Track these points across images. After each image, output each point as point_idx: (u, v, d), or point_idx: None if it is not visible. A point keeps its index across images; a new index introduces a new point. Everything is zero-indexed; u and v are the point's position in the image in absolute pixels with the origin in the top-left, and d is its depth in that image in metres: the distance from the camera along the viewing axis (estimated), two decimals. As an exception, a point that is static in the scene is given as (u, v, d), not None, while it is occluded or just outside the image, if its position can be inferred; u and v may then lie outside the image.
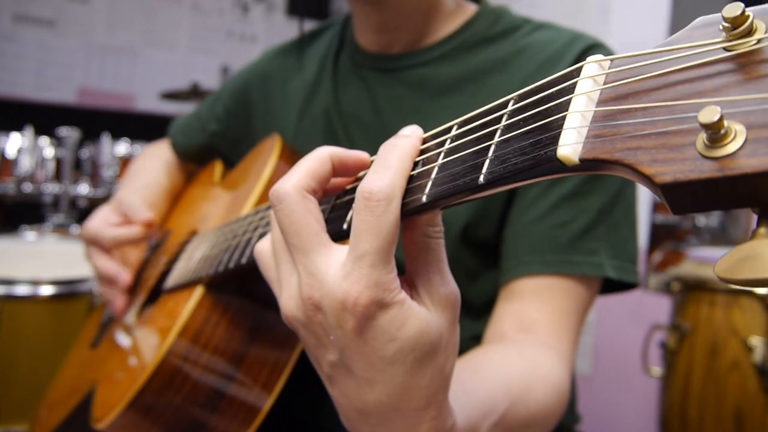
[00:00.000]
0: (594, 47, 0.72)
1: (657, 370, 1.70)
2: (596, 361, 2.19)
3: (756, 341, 1.47)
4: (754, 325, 1.49)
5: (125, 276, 0.83)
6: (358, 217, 0.35)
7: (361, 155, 0.42)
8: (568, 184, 0.68)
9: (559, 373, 0.61)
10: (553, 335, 0.65)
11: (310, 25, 0.97)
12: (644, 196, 2.06)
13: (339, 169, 0.42)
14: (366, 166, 0.42)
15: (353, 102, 0.81)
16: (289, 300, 0.39)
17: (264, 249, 0.44)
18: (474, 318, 0.74)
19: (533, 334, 0.65)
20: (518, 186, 0.32)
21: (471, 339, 0.72)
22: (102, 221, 0.87)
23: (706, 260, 1.66)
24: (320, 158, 0.40)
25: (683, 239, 2.04)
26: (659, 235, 2.06)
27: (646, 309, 1.98)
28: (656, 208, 2.08)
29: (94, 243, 0.86)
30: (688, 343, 1.60)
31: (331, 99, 0.83)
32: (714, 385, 1.52)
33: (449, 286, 0.38)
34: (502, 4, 0.82)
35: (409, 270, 0.39)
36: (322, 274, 0.36)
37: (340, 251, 0.37)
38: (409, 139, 0.38)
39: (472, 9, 0.80)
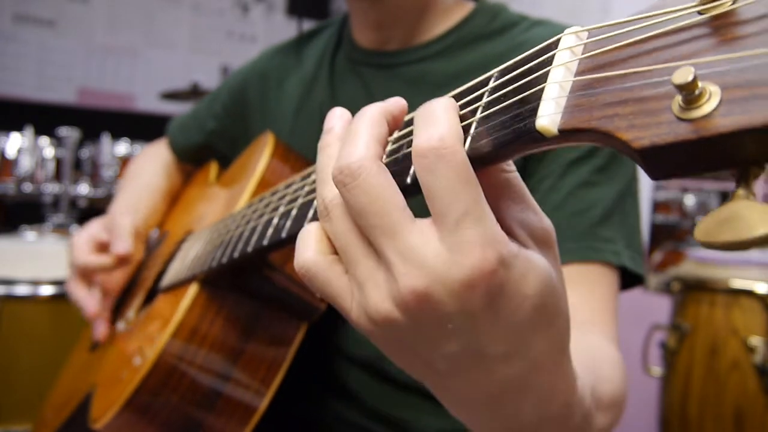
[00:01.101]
0: None
1: (657, 370, 1.70)
2: (596, 361, 2.18)
3: (756, 341, 1.46)
4: (754, 325, 1.49)
5: (90, 307, 0.83)
6: (429, 179, 0.30)
7: (400, 101, 0.38)
8: (579, 174, 0.68)
9: (617, 354, 0.60)
10: (595, 320, 0.63)
11: (309, 25, 0.97)
12: (645, 196, 2.05)
13: (393, 126, 0.37)
14: (406, 109, 0.39)
15: (350, 98, 0.81)
16: (382, 302, 0.31)
17: (312, 260, 0.35)
18: None
19: (574, 320, 0.63)
20: (500, 162, 0.31)
21: None
22: (87, 239, 0.86)
23: (706, 260, 1.66)
24: (376, 120, 0.35)
25: (683, 239, 2.04)
26: (659, 235, 2.06)
27: (646, 309, 1.98)
28: (656, 208, 2.08)
29: (72, 259, 0.86)
30: (688, 343, 1.59)
31: (328, 96, 0.83)
32: (714, 385, 1.52)
33: (543, 219, 0.34)
34: (500, 1, 0.82)
35: (499, 217, 0.33)
36: (421, 256, 0.30)
37: (427, 225, 0.31)
38: (445, 98, 0.34)
39: (469, 6, 0.80)
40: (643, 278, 0.69)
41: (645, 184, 1.67)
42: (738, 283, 1.52)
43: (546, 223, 0.34)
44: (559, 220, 0.66)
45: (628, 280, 0.70)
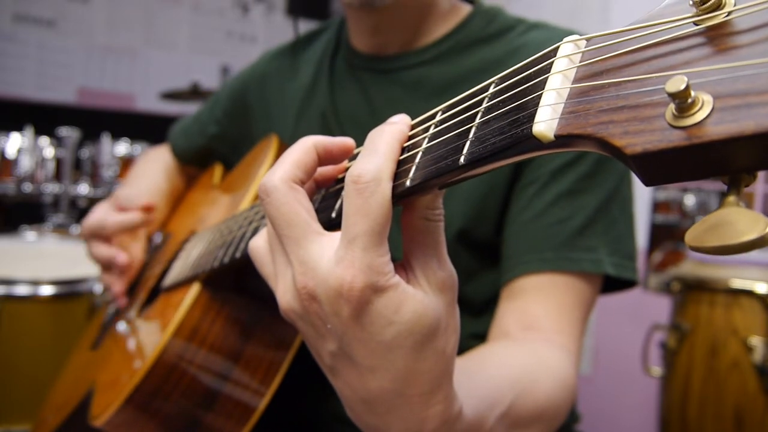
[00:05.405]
0: None
1: (657, 370, 1.70)
2: (596, 361, 2.19)
3: (756, 341, 1.46)
4: (754, 325, 1.49)
5: (122, 257, 0.84)
6: (347, 201, 0.35)
7: (346, 141, 0.43)
8: (564, 182, 0.68)
9: (565, 367, 0.61)
10: (556, 331, 0.65)
11: (308, 26, 0.97)
12: (645, 196, 2.06)
13: (324, 157, 0.42)
14: (351, 151, 0.43)
15: (349, 103, 0.81)
16: (285, 293, 0.39)
17: (258, 245, 0.43)
18: (473, 316, 0.74)
19: (537, 331, 0.65)
20: (498, 166, 0.33)
21: (470, 337, 0.72)
22: (103, 211, 0.89)
23: (706, 260, 1.66)
24: (304, 148, 0.41)
25: (683, 239, 2.04)
26: (659, 235, 2.06)
27: (646, 309, 1.98)
28: (656, 208, 2.08)
29: (95, 235, 0.88)
30: (688, 343, 1.59)
31: (328, 101, 0.83)
32: (714, 385, 1.52)
33: (446, 269, 0.38)
34: (498, 4, 0.82)
35: (406, 253, 0.39)
36: (314, 262, 0.36)
37: (333, 238, 0.37)
38: (396, 125, 0.38)
39: (466, 9, 0.80)
40: (635, 282, 0.70)
41: (645, 184, 1.66)
42: (738, 283, 1.52)
43: (446, 272, 0.38)
44: (540, 230, 0.68)
45: (619, 283, 0.71)
